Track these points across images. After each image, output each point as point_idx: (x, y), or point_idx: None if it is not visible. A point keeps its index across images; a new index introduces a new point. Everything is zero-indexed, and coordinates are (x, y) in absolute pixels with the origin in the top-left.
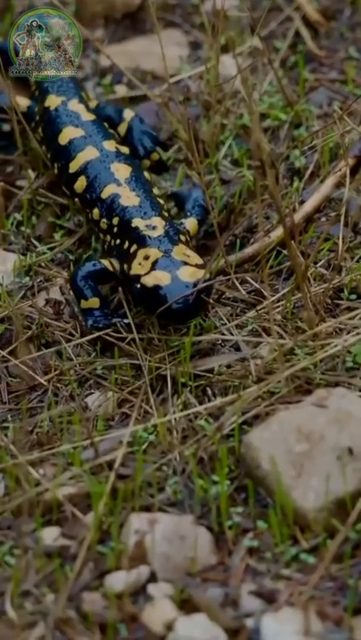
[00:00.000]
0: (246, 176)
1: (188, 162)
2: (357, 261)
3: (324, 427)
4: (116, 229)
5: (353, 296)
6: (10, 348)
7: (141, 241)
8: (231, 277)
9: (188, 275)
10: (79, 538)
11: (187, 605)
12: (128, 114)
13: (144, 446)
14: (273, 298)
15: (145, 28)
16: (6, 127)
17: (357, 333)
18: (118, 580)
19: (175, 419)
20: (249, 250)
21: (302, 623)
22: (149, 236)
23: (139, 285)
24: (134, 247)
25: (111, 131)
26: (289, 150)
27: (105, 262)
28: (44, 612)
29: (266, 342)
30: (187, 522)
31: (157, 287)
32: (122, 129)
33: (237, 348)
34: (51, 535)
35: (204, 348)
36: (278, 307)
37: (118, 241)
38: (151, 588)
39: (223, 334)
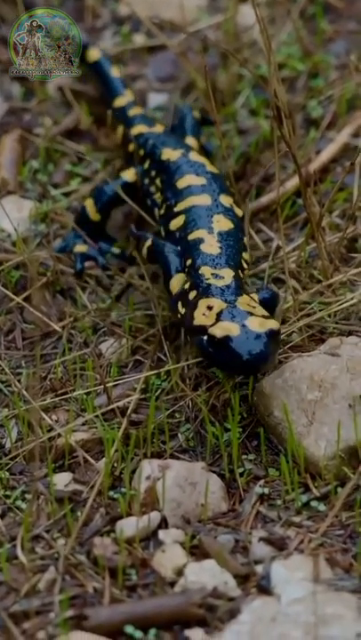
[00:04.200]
0: (263, 126)
1: (205, 111)
2: None
3: (337, 375)
4: (186, 270)
5: None
6: (24, 295)
7: (203, 289)
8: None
9: (258, 325)
10: (91, 483)
11: (197, 551)
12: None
13: (157, 393)
14: (288, 248)
15: None
16: None
17: None
18: (129, 526)
19: (188, 366)
20: (264, 199)
21: (312, 570)
22: (213, 285)
23: (206, 337)
24: (194, 293)
25: (232, 189)
26: (306, 100)
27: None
28: (55, 556)
29: (281, 293)
30: (198, 468)
31: (227, 338)
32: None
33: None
34: (63, 480)
35: None
36: (293, 256)
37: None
38: (162, 534)
39: None
